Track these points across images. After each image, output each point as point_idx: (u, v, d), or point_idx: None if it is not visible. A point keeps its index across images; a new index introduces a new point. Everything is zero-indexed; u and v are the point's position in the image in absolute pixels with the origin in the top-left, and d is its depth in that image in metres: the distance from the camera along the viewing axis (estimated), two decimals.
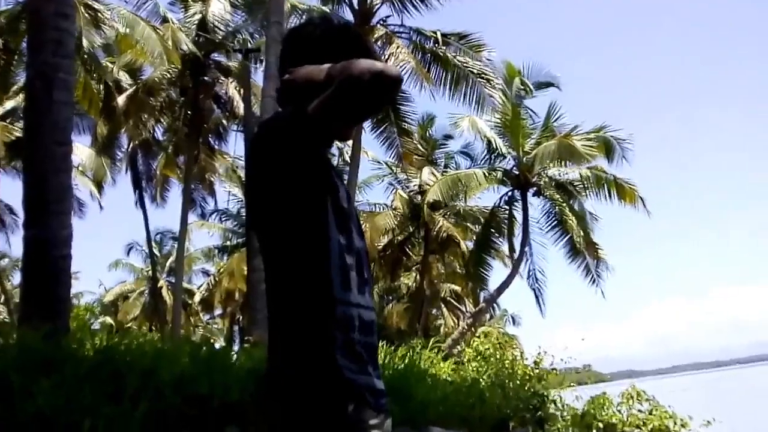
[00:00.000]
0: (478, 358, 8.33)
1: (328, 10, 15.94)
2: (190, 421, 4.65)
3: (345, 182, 1.72)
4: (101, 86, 16.68)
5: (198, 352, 5.44)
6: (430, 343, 9.82)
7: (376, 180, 24.10)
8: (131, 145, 20.94)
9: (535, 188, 19.04)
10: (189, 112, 18.92)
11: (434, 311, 28.89)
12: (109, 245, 67.33)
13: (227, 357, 6.21)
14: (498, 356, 8.03)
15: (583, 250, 18.53)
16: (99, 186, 21.33)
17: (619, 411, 6.46)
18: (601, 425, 6.34)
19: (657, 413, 5.82)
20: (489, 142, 19.37)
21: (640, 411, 6.38)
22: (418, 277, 23.85)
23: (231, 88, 18.80)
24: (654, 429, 5.61)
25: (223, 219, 27.25)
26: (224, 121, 20.02)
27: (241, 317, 32.56)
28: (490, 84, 16.88)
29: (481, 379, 7.54)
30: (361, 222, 1.77)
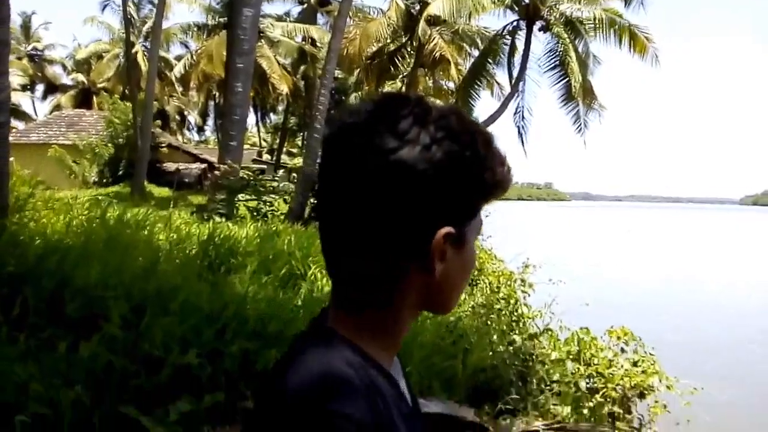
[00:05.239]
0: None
1: None
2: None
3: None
4: None
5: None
6: None
7: None
8: None
9: (543, 22, 17.78)
10: None
11: None
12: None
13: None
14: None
15: (578, 97, 17.79)
16: None
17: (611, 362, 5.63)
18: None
19: (644, 365, 5.26)
20: None
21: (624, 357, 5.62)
22: (403, 88, 22.98)
23: None
24: (637, 385, 5.13)
25: None
26: None
27: (217, 93, 31.64)
28: None
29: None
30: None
